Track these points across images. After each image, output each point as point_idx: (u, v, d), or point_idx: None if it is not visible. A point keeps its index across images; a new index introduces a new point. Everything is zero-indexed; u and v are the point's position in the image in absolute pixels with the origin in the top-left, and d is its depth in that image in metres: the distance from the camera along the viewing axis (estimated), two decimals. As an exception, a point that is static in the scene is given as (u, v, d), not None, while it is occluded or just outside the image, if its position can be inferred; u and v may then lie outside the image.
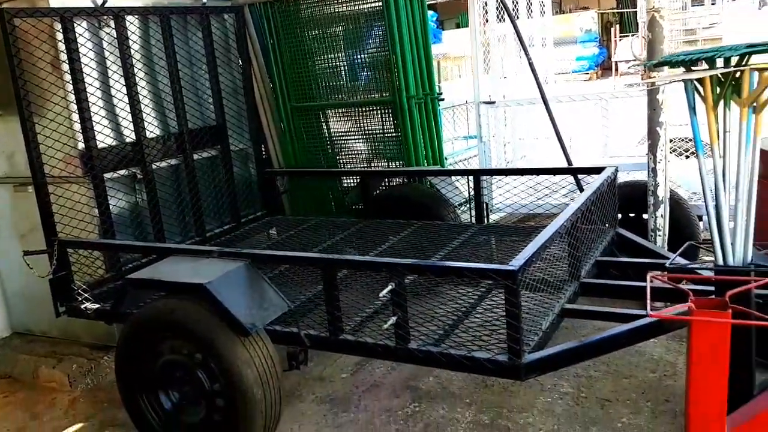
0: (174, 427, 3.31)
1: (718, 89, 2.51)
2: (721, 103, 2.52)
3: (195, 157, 4.84)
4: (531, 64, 5.09)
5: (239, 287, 3.09)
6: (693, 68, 2.61)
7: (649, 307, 2.43)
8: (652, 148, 4.31)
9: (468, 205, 5.44)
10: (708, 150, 2.57)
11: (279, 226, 5.23)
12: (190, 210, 4.79)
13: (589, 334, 4.09)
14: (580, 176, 4.51)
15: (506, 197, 4.85)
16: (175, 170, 4.78)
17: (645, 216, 4.73)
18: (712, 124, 2.53)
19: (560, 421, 3.41)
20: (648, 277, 2.67)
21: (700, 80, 2.52)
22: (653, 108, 4.21)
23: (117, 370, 3.38)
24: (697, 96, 2.59)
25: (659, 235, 4.41)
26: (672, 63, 2.70)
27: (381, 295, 2.81)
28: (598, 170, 4.16)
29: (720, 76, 2.48)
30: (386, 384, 3.91)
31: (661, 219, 4.39)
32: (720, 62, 2.51)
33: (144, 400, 3.35)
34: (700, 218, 4.81)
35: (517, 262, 2.68)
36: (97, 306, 3.85)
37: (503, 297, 2.66)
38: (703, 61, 2.58)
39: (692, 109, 2.62)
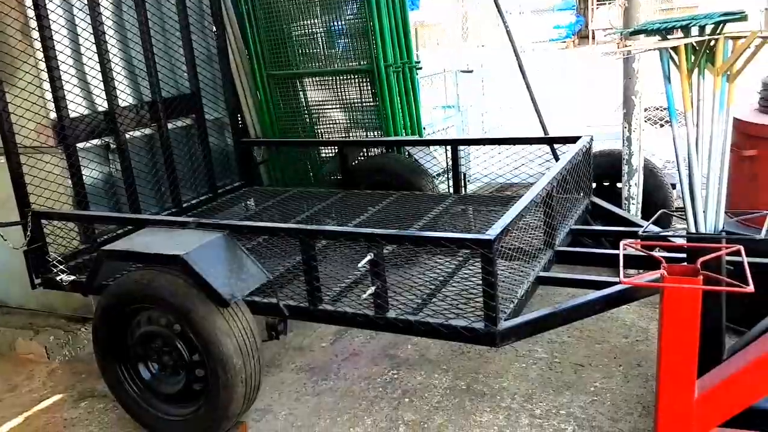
0: (153, 397, 3.33)
1: (693, 58, 2.53)
2: (696, 71, 2.54)
3: (170, 126, 4.78)
4: (508, 32, 5.07)
5: (217, 258, 3.08)
6: (668, 36, 2.62)
7: (622, 275, 2.47)
8: (627, 117, 4.35)
9: (446, 176, 5.47)
10: (682, 119, 2.60)
11: (256, 196, 5.20)
12: (166, 180, 4.75)
13: (563, 302, 4.18)
14: (556, 145, 4.54)
15: (483, 167, 4.87)
16: (150, 140, 4.72)
17: (619, 185, 4.79)
18: (686, 92, 2.55)
19: (534, 386, 3.48)
20: (621, 245, 2.72)
21: (675, 49, 2.54)
22: (628, 77, 4.24)
23: (95, 342, 3.37)
24: (671, 64, 2.60)
25: (633, 204, 4.47)
26: (647, 31, 2.71)
27: (359, 265, 2.82)
28: (573, 139, 4.19)
29: (695, 44, 2.50)
30: (365, 353, 3.95)
31: (635, 187, 4.44)
32: (695, 31, 2.53)
33: (122, 371, 3.35)
34: (674, 186, 4.88)
35: (493, 231, 2.70)
36: (73, 278, 3.82)
37: (480, 266, 2.68)
38: (679, 30, 2.59)
39: (667, 78, 2.63)
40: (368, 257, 2.85)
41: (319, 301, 3.13)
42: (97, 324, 3.32)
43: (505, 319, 2.81)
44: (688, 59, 2.52)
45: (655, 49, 2.60)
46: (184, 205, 4.84)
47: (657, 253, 2.74)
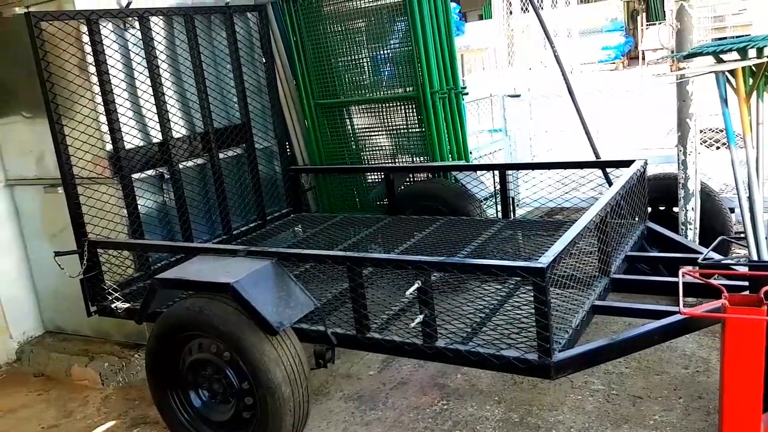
0: (204, 424, 3.34)
1: (751, 80, 2.45)
2: (754, 93, 2.46)
3: (221, 155, 4.87)
4: (556, 55, 5.03)
5: (266, 286, 3.09)
6: (724, 59, 2.55)
7: (681, 305, 2.38)
8: (682, 140, 4.23)
9: (493, 200, 5.41)
10: (740, 142, 2.52)
11: (304, 223, 5.24)
12: (217, 208, 4.83)
13: (619, 331, 4.07)
14: (608, 170, 4.44)
15: (532, 192, 4.80)
16: (202, 169, 4.81)
17: (675, 209, 4.66)
18: (744, 115, 2.47)
19: (591, 419, 3.37)
20: (680, 273, 2.63)
21: (732, 71, 2.47)
22: (683, 99, 4.13)
23: (148, 369, 3.42)
24: (728, 87, 2.53)
25: (690, 229, 4.33)
26: (702, 54, 2.65)
27: (407, 293, 2.80)
28: (627, 163, 4.10)
29: (753, 66, 2.42)
30: (413, 381, 3.90)
31: (692, 212, 4.31)
32: (752, 53, 2.45)
33: (174, 398, 3.38)
34: (732, 210, 4.72)
35: (545, 258, 2.65)
36: (127, 305, 3.90)
37: (531, 294, 2.63)
38: (735, 51, 2.52)
39: (724, 101, 2.56)
40: (416, 285, 2.83)
41: (366, 329, 3.11)
42: (150, 351, 3.37)
43: (560, 350, 2.73)
44: (746, 82, 2.45)
45: (711, 72, 2.53)
46: (234, 232, 4.91)
47: (717, 282, 2.64)
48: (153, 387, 3.43)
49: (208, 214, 4.81)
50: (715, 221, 4.47)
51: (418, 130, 5.09)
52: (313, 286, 3.56)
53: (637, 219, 4.01)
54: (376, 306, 3.29)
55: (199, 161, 4.79)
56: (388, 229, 4.72)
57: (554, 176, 4.61)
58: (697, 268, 2.78)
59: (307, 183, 5.65)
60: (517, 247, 4.08)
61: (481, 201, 5.00)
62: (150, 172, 4.46)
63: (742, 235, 3.52)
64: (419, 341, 2.96)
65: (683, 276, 2.64)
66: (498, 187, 4.68)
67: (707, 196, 4.46)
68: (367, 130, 5.38)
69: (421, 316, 2.87)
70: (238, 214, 5.03)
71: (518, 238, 4.28)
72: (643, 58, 20.63)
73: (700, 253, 3.63)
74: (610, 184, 4.38)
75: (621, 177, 3.77)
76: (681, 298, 2.45)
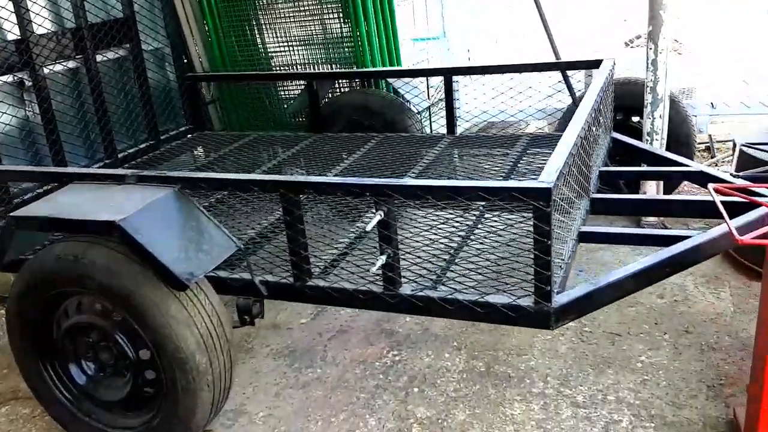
0: (92, 404, 2.57)
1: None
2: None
3: (98, 58, 3.87)
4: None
5: (167, 223, 2.30)
6: None
7: (733, 228, 1.83)
8: (654, 36, 3.67)
9: (428, 112, 4.74)
10: None
11: (207, 143, 4.37)
12: (96, 125, 3.87)
13: (590, 261, 3.56)
14: (569, 73, 3.83)
15: (478, 103, 4.13)
16: (74, 75, 3.81)
17: (635, 119, 4.16)
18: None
19: (568, 364, 2.87)
20: (711, 189, 2.08)
21: None
22: (658, -13, 3.54)
23: (10, 336, 2.58)
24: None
25: (656, 139, 3.84)
26: None
27: (367, 228, 2.09)
28: (594, 64, 3.50)
29: None
30: (356, 329, 3.26)
31: (659, 120, 3.81)
32: None
33: (49, 371, 2.57)
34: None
35: (547, 176, 2.00)
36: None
37: (497, 221, 2.00)
38: None
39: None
40: (377, 217, 2.13)
41: (307, 274, 2.40)
42: (13, 313, 2.52)
43: (557, 293, 2.14)
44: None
45: None
46: (120, 155, 3.98)
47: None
48: (19, 359, 2.60)
49: (85, 132, 3.85)
50: (679, 130, 4.00)
51: (344, 35, 4.26)
52: (230, 220, 2.78)
53: (602, 130, 3.46)
54: (315, 243, 2.57)
55: (71, 65, 3.78)
56: (312, 150, 3.95)
57: (500, 85, 3.95)
58: (721, 183, 2.24)
59: (209, 94, 4.74)
60: (475, 168, 3.43)
61: (419, 113, 4.31)
62: (5, 78, 3.45)
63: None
64: (378, 288, 2.29)
65: (711, 193, 2.10)
66: (443, 96, 3.96)
67: (672, 102, 3.97)
68: (282, 34, 4.49)
69: (384, 257, 2.19)
70: (124, 132, 4.09)
71: (471, 157, 3.63)
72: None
73: (687, 165, 3.14)
74: (571, 91, 3.78)
75: (596, 78, 3.18)
76: (728, 220, 1.90)
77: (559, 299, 2.10)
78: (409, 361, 2.98)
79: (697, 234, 2.37)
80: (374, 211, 2.15)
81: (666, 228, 3.93)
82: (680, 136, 3.99)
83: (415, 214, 2.80)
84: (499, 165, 3.40)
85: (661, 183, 3.91)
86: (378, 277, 2.27)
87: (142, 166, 3.93)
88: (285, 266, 2.46)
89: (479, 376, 2.84)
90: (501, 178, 3.17)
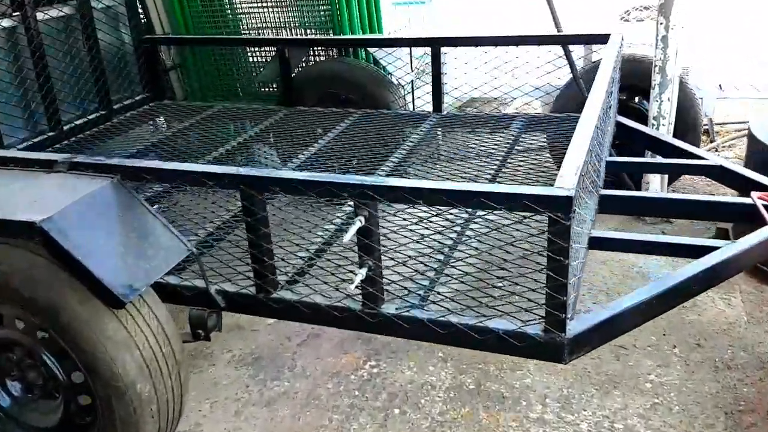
0: (18, 428, 2.18)
1: None
2: None
3: (39, 16, 3.38)
4: None
5: (103, 223, 1.90)
6: None
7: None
8: (665, 10, 3.31)
9: (413, 86, 4.35)
10: None
11: (167, 114, 3.91)
12: (37, 93, 3.40)
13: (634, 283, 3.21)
14: (571, 48, 3.45)
15: (463, 78, 3.73)
16: (11, 35, 3.32)
17: (636, 99, 3.82)
18: None
19: (568, 383, 2.55)
20: (754, 198, 1.75)
21: None
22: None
23: None
24: None
25: (663, 124, 3.50)
26: None
27: (345, 240, 1.71)
28: (602, 38, 3.13)
29: None
30: (329, 333, 2.89)
31: (667, 103, 3.47)
32: None
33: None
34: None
35: (568, 181, 1.64)
36: None
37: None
38: None
39: None
40: (357, 224, 1.75)
41: (271, 285, 2.02)
42: None
43: (570, 318, 1.80)
44: None
45: None
46: (66, 127, 3.52)
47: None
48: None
49: (24, 100, 3.38)
50: (686, 113, 3.66)
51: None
52: (180, 215, 2.38)
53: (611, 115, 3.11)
54: (284, 242, 2.18)
55: (6, 23, 3.29)
56: (283, 126, 3.53)
57: (493, 59, 3.56)
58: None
59: (170, 60, 4.27)
60: (465, 155, 3.05)
61: (402, 87, 3.91)
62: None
63: None
64: (356, 304, 1.93)
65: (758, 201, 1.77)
66: (423, 69, 3.58)
67: (680, 84, 3.62)
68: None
69: (363, 271, 1.82)
70: (71, 101, 3.61)
71: (461, 140, 3.26)
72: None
73: (699, 157, 2.80)
74: (572, 68, 3.41)
75: (606, 54, 2.81)
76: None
77: (574, 327, 1.75)
78: (389, 374, 2.63)
79: (726, 244, 2.05)
80: (353, 215, 1.77)
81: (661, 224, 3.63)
82: (687, 120, 3.66)
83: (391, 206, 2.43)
84: (493, 149, 3.03)
85: (666, 176, 3.60)
86: (356, 290, 1.89)
87: (90, 141, 3.48)
88: (247, 273, 2.08)
89: (468, 395, 2.51)
90: (495, 168, 2.80)
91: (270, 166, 3.20)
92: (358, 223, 1.75)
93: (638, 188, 3.64)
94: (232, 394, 2.58)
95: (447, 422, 2.37)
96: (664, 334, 2.78)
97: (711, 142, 4.74)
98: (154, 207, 2.17)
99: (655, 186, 3.58)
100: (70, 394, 2.02)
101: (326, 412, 2.45)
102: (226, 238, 2.32)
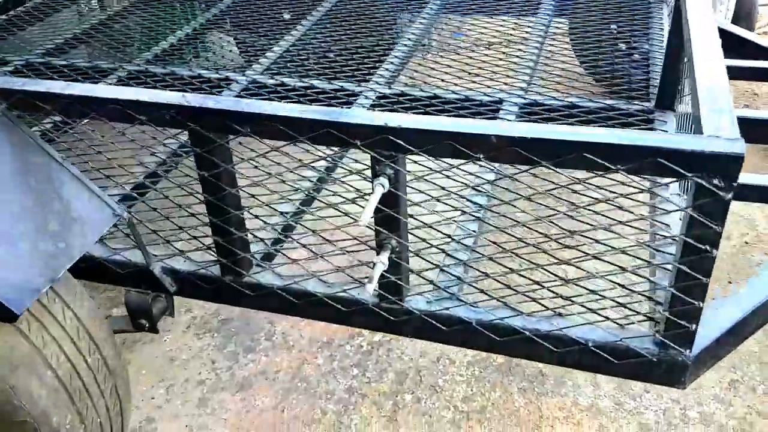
0: None
1: None
2: None
3: None
4: None
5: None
6: None
7: None
8: None
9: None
10: None
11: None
12: None
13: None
14: None
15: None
16: None
17: None
18: None
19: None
20: None
21: None
22: None
23: None
24: None
25: (720, 11, 2.84)
26: None
27: (364, 219, 1.08)
28: None
29: None
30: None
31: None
32: None
33: None
34: None
35: (726, 125, 1.02)
36: None
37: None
38: None
39: None
40: (378, 192, 1.11)
41: (242, 265, 1.39)
42: None
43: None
44: None
45: None
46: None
47: None
48: None
49: None
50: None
51: None
52: (102, 146, 1.67)
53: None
54: (259, 194, 1.53)
55: None
56: (243, 9, 2.75)
57: None
58: None
59: None
60: (483, 57, 2.33)
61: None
62: None
63: None
64: (371, 298, 1.32)
65: None
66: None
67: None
68: None
69: (385, 258, 1.20)
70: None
71: (476, 30, 2.53)
72: None
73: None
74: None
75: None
76: None
77: (700, 341, 1.19)
78: (395, 345, 2.08)
79: None
80: (373, 176, 1.13)
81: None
82: (743, 6, 3.00)
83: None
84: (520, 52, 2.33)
85: None
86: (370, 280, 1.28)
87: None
88: (209, 245, 1.43)
89: (498, 372, 1.98)
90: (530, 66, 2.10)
91: (229, 68, 2.46)
92: (380, 188, 1.11)
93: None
94: (194, 374, 2.01)
95: (474, 413, 1.86)
96: (729, 282, 2.27)
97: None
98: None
99: None
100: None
101: (317, 400, 1.91)
102: (174, 181, 1.63)
